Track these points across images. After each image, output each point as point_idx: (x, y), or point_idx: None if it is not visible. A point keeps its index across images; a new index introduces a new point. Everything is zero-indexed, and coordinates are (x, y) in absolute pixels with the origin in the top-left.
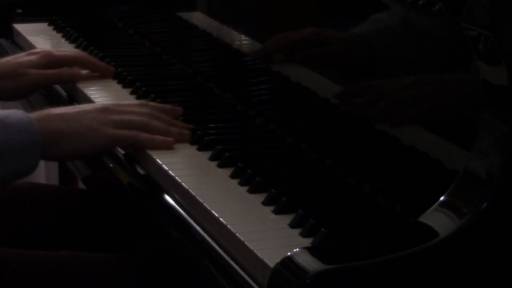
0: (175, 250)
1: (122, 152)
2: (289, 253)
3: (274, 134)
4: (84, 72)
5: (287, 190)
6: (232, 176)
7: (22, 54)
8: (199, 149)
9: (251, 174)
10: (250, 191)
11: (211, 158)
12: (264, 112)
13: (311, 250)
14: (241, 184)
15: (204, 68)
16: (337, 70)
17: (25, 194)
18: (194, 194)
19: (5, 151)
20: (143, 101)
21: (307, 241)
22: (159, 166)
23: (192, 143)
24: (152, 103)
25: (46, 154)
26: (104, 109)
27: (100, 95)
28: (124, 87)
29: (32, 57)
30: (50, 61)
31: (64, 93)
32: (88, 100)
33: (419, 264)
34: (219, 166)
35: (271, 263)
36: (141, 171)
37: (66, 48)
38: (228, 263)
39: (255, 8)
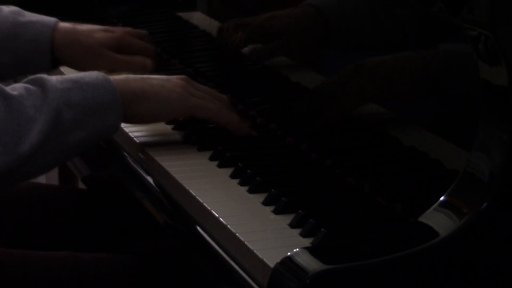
0: (175, 250)
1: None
2: (289, 253)
3: (274, 134)
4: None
5: (287, 190)
6: (232, 176)
7: (97, 27)
8: (199, 149)
9: (251, 174)
10: (250, 191)
11: (212, 158)
12: (264, 112)
13: (311, 250)
14: (241, 184)
15: (204, 68)
16: (294, 44)
17: (25, 194)
18: (194, 194)
19: (84, 110)
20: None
21: (307, 241)
22: (160, 166)
23: (192, 144)
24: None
25: (126, 114)
26: (186, 79)
27: None
28: None
29: (109, 36)
30: (124, 45)
31: None
32: None
33: (419, 264)
34: (219, 166)
35: (271, 263)
36: (146, 176)
37: (142, 31)
38: (228, 263)
39: (255, 8)
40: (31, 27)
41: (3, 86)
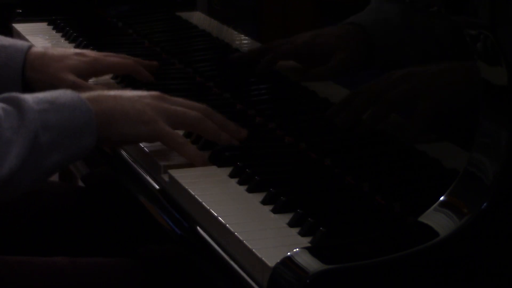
0: (178, 256)
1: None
2: (289, 253)
3: (273, 133)
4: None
5: (286, 189)
6: (231, 175)
7: (70, 52)
8: (198, 149)
9: (250, 173)
10: (249, 191)
11: (211, 158)
12: (263, 111)
13: (311, 250)
14: (240, 183)
15: (203, 68)
16: (341, 67)
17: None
18: (193, 194)
19: (60, 132)
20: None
21: (306, 240)
22: (158, 164)
23: (192, 143)
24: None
25: (100, 135)
26: (160, 97)
27: None
28: (125, 86)
29: (78, 61)
30: (97, 69)
31: None
32: None
33: (419, 264)
34: (218, 165)
35: (270, 262)
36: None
37: (113, 54)
38: (227, 262)
39: (255, 8)
40: (3, 52)
41: None
